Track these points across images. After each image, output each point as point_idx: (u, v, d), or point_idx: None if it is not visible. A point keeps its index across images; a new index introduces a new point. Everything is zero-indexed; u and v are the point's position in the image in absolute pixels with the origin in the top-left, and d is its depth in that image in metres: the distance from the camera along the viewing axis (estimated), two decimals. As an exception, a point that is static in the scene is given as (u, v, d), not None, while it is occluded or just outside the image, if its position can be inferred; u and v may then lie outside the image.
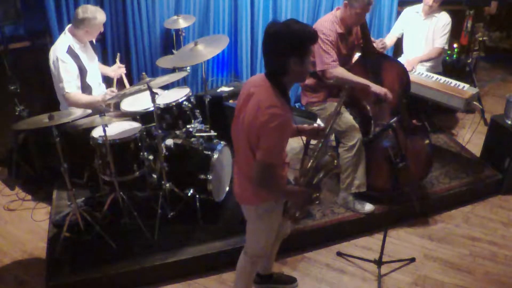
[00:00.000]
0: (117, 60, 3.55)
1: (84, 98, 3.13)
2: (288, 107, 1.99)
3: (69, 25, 3.17)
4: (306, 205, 2.28)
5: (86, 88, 3.20)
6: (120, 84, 3.54)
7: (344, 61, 3.15)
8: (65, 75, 3.04)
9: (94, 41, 3.38)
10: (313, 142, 2.28)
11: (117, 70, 3.49)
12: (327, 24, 3.02)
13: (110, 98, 3.00)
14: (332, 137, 3.88)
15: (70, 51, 3.07)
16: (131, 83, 3.77)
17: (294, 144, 3.91)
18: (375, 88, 3.01)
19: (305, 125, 2.31)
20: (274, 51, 1.93)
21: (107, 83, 3.53)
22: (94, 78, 3.29)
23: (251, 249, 2.34)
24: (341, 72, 3.00)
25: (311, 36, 1.91)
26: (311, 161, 2.19)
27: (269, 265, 2.72)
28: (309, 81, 3.11)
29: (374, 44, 3.19)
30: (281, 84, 1.97)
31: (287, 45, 1.88)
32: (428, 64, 4.02)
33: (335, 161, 2.21)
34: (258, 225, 2.23)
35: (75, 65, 3.07)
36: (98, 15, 3.07)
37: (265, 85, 1.97)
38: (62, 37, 3.13)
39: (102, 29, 3.19)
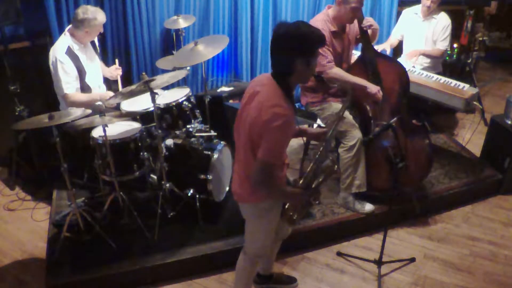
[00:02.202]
0: (116, 62, 3.55)
1: (83, 97, 3.14)
2: (292, 107, 2.00)
3: (69, 26, 3.16)
4: (304, 207, 2.28)
5: (85, 89, 3.20)
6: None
7: (341, 58, 3.15)
8: (63, 76, 3.04)
9: (96, 42, 3.38)
10: (313, 143, 2.28)
11: (114, 71, 3.49)
12: (319, 24, 3.01)
13: (109, 98, 3.00)
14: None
15: (69, 52, 3.07)
16: (131, 83, 3.76)
17: (294, 144, 3.91)
18: (371, 88, 3.01)
19: (309, 127, 2.30)
20: (282, 51, 1.94)
21: (107, 84, 3.53)
22: (94, 79, 3.29)
23: (250, 248, 2.34)
24: (337, 72, 3.01)
25: (319, 39, 1.93)
26: (311, 164, 2.19)
27: (269, 265, 2.72)
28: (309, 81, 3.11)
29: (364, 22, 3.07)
30: (287, 84, 1.99)
31: (296, 46, 1.89)
32: (428, 64, 4.02)
33: (336, 166, 2.22)
34: (256, 224, 2.24)
35: (73, 66, 3.07)
36: (98, 16, 3.07)
37: (271, 84, 1.98)
38: (61, 38, 3.13)
39: (102, 30, 3.20)
